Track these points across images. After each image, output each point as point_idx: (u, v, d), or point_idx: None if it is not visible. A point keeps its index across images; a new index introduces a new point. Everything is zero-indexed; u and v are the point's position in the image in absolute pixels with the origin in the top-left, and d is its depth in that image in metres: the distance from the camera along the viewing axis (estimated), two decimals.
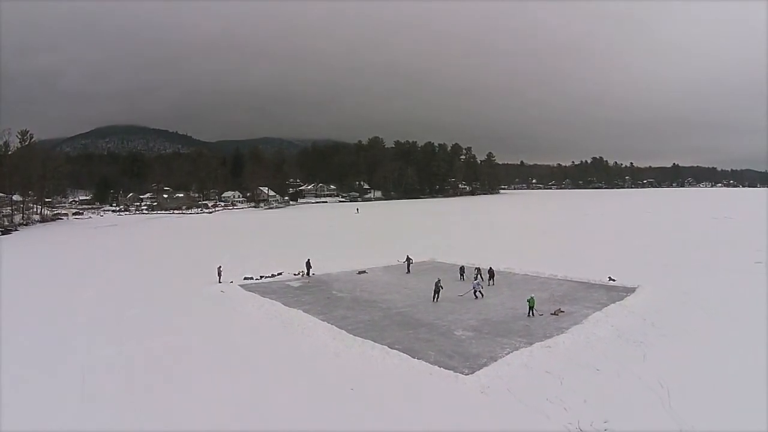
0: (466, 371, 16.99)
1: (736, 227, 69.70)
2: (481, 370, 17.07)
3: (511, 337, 20.82)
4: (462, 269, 34.50)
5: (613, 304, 25.98)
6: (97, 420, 14.29)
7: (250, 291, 31.00)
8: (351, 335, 21.28)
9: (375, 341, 20.28)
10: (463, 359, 18.28)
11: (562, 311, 24.77)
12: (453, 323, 23.22)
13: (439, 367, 17.37)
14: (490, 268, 33.58)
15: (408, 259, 38.49)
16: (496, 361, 18.00)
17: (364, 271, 37.46)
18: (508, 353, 18.73)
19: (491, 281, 32.32)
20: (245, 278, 35.01)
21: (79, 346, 20.98)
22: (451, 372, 16.92)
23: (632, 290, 29.40)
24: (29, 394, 16.26)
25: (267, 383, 16.75)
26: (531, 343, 19.73)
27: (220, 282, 33.83)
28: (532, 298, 24.66)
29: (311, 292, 30.90)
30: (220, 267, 35.42)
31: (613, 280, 32.13)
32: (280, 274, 36.67)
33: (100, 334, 22.93)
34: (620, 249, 48.49)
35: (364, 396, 15.52)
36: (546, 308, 25.26)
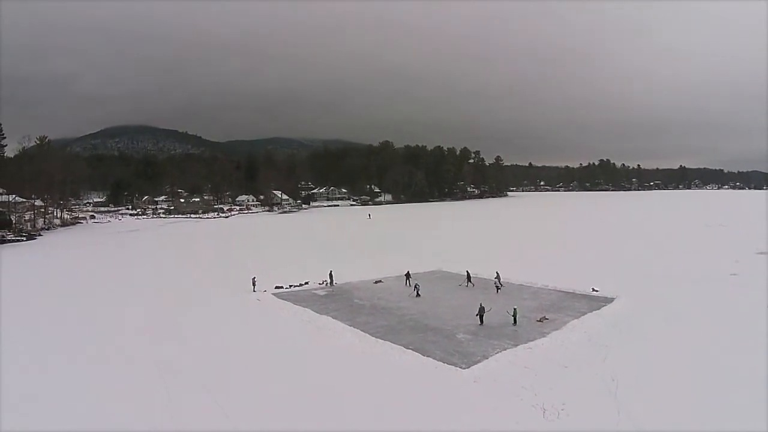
0: (464, 366, 22.25)
1: (725, 236, 74.12)
2: (475, 365, 22.32)
3: (501, 340, 25.96)
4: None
5: (590, 313, 30.93)
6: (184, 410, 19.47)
7: (283, 299, 36.14)
8: (373, 338, 26.60)
9: (393, 342, 25.60)
10: (462, 357, 23.50)
11: (546, 318, 29.81)
12: (456, 328, 28.40)
13: (443, 363, 22.66)
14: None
15: (407, 274, 41.57)
16: (487, 358, 23.20)
17: (380, 281, 42.53)
18: (498, 352, 23.92)
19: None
20: (276, 287, 40.12)
21: (145, 346, 26.40)
22: (452, 366, 22.21)
23: (611, 300, 34.08)
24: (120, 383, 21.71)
25: (316, 373, 22.07)
26: (516, 345, 24.94)
27: (254, 291, 39.01)
28: (515, 309, 29.54)
29: (336, 300, 36.17)
30: (254, 278, 40.50)
31: (596, 291, 36.70)
32: (306, 283, 41.87)
33: (161, 335, 28.30)
34: (608, 260, 53.06)
35: (386, 383, 20.85)
36: (533, 316, 30.35)
